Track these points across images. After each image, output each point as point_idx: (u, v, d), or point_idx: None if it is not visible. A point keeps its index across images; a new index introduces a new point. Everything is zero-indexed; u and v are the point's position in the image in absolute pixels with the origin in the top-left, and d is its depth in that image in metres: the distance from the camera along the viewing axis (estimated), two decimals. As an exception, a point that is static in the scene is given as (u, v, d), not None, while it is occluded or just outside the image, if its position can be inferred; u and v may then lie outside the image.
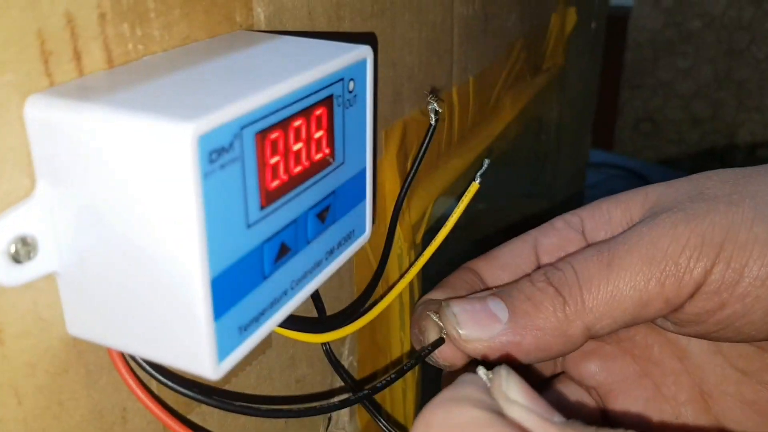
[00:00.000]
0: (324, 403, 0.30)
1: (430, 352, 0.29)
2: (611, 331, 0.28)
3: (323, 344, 0.35)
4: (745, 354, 0.32)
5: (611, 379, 0.33)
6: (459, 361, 0.29)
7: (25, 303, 0.20)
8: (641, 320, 0.28)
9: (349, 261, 0.37)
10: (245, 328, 0.21)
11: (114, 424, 0.24)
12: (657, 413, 0.32)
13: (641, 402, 0.33)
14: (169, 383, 0.23)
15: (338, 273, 0.36)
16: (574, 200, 1.04)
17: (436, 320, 0.30)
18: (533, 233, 0.33)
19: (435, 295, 0.32)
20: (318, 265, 0.25)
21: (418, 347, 0.31)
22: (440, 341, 0.29)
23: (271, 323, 0.22)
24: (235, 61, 0.22)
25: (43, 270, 0.20)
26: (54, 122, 0.18)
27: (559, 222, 0.33)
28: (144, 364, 0.23)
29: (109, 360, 0.23)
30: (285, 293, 0.23)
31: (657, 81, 1.68)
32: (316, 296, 0.32)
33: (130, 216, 0.19)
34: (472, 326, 0.28)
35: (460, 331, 0.28)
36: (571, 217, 0.33)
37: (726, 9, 1.56)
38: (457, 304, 0.29)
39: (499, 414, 0.21)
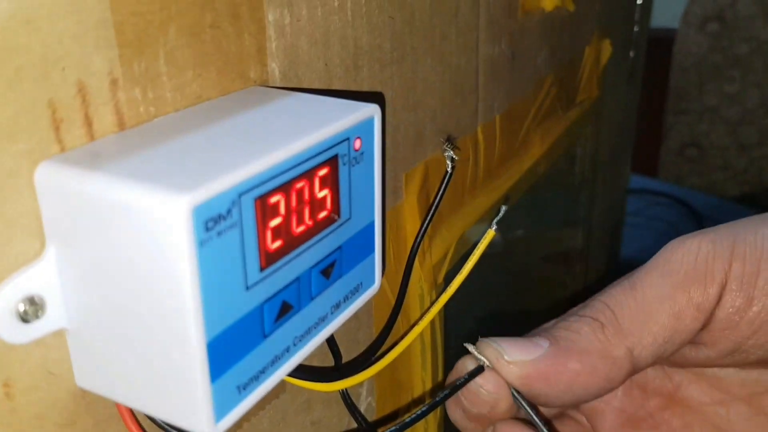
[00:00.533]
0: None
1: (468, 381, 0.29)
2: (654, 356, 0.28)
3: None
4: None
5: None
6: (502, 390, 0.29)
7: (35, 359, 0.21)
8: (681, 336, 0.28)
9: (368, 303, 0.38)
10: (245, 387, 0.22)
11: (123, 473, 0.25)
12: None
13: None
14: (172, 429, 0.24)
15: (356, 316, 0.37)
16: (613, 229, 1.03)
17: (474, 352, 0.30)
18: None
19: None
20: (323, 320, 0.25)
21: (455, 412, 0.31)
22: (479, 369, 0.29)
23: (273, 380, 0.23)
24: (240, 123, 0.22)
25: (50, 327, 0.21)
26: (61, 189, 0.19)
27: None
28: (157, 420, 0.23)
29: (118, 412, 0.24)
30: (287, 350, 0.23)
31: (703, 106, 1.66)
32: (331, 342, 0.32)
33: (130, 280, 0.19)
34: (513, 349, 0.28)
35: (503, 354, 0.28)
36: None
37: (774, 34, 1.53)
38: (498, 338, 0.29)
39: None
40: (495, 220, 0.34)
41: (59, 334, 0.21)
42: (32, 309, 0.20)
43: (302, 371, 0.30)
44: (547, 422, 0.30)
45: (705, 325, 0.28)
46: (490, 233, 0.34)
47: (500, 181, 0.53)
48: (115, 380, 0.21)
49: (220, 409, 0.21)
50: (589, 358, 0.27)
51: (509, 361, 0.28)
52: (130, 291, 0.20)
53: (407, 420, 0.29)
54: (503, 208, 0.35)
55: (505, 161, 0.54)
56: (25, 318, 0.20)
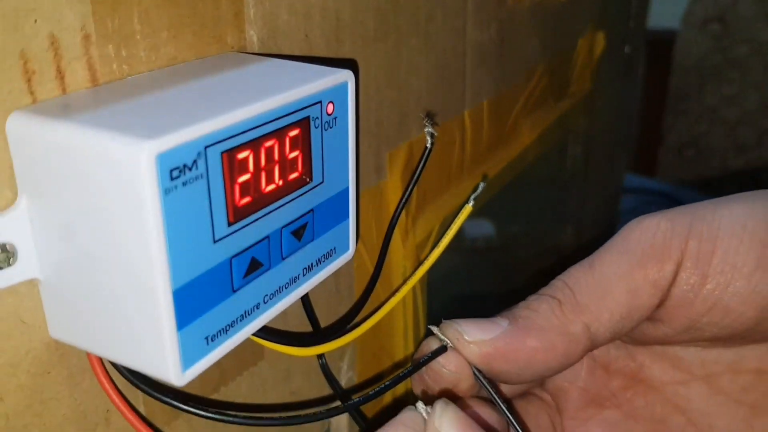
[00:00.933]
0: (310, 411, 0.31)
1: (430, 359, 0.29)
2: (612, 332, 0.29)
3: (319, 358, 0.36)
4: (746, 386, 0.32)
5: None
6: (463, 369, 0.29)
7: (6, 306, 0.21)
8: (638, 313, 0.28)
9: (350, 275, 0.38)
10: (212, 339, 0.22)
11: (97, 425, 0.25)
12: None
13: None
14: (148, 390, 0.24)
15: (337, 291, 0.37)
16: (607, 227, 1.03)
17: (437, 333, 0.30)
18: None
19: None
20: (295, 281, 0.25)
21: (419, 389, 0.32)
22: (442, 349, 0.29)
23: (241, 335, 0.23)
24: (213, 82, 0.23)
25: (22, 276, 0.21)
26: (32, 138, 0.20)
27: None
28: (124, 372, 0.24)
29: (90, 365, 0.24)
30: (257, 307, 0.24)
31: (702, 107, 1.66)
32: (309, 310, 0.33)
33: (99, 228, 0.20)
34: (474, 330, 0.29)
35: (464, 335, 0.29)
36: None
37: (774, 35, 1.53)
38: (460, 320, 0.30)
39: None
40: (472, 196, 0.34)
41: (32, 285, 0.22)
42: (3, 256, 0.20)
43: (280, 336, 0.30)
44: (506, 401, 0.31)
45: (661, 302, 0.28)
46: (467, 208, 0.34)
47: (487, 166, 0.53)
48: (87, 330, 0.22)
49: (188, 358, 0.21)
50: (547, 335, 0.28)
51: (469, 341, 0.28)
52: (99, 240, 0.20)
53: (371, 393, 0.29)
54: (481, 185, 0.35)
55: (492, 148, 0.54)
56: (-4, 264, 0.20)
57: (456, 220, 0.34)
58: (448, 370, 0.29)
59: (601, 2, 0.77)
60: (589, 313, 0.28)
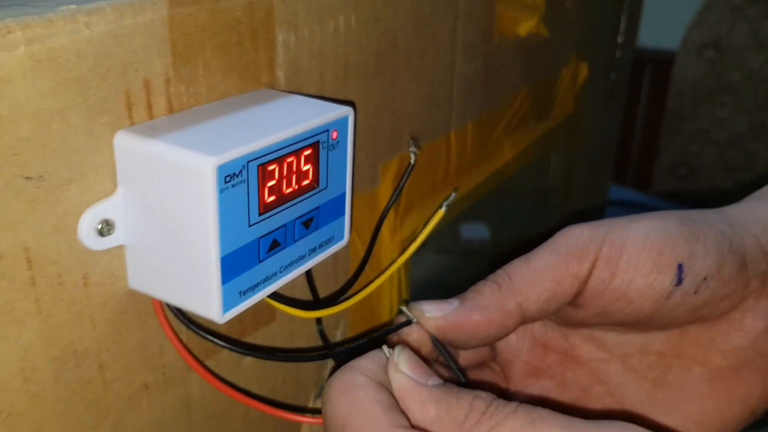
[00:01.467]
0: (305, 353, 0.41)
1: (399, 327, 0.38)
2: (540, 310, 0.37)
3: (317, 324, 0.46)
4: (651, 365, 0.41)
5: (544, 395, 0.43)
6: (424, 338, 0.37)
7: (104, 263, 0.31)
8: (561, 297, 0.37)
9: (346, 259, 0.48)
10: (244, 293, 0.32)
11: (154, 354, 0.35)
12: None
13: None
14: (193, 328, 0.34)
15: (335, 274, 0.47)
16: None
17: (405, 311, 0.39)
18: None
19: None
20: (302, 258, 0.35)
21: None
22: (407, 322, 0.38)
23: (263, 293, 0.33)
24: (251, 114, 0.33)
25: (115, 242, 0.31)
26: (130, 149, 0.29)
27: None
28: (178, 315, 0.33)
29: (153, 310, 0.34)
30: (275, 274, 0.33)
31: (695, 128, 1.75)
32: (311, 283, 0.42)
33: (173, 213, 0.29)
34: (432, 308, 0.37)
35: (424, 312, 0.37)
36: None
37: (764, 64, 1.62)
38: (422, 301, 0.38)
39: (378, 382, 0.31)
40: (445, 203, 0.44)
41: (120, 249, 0.32)
42: (106, 228, 0.30)
43: (288, 301, 0.40)
44: (460, 369, 0.39)
45: (579, 292, 0.37)
46: (440, 213, 0.44)
47: (469, 178, 0.63)
48: (157, 283, 0.31)
49: (227, 305, 0.31)
50: (487, 311, 0.36)
51: (428, 317, 0.37)
52: (172, 221, 0.30)
53: (352, 346, 0.39)
54: (453, 194, 0.45)
55: (475, 162, 0.64)
56: (101, 232, 0.30)
57: (430, 221, 0.44)
58: (412, 338, 0.38)
59: (586, 34, 0.86)
60: (522, 295, 0.37)
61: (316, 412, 0.49)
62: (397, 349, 0.33)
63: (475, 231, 1.00)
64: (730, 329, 0.39)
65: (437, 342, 0.38)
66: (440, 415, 0.30)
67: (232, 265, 0.30)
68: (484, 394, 0.31)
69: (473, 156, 0.63)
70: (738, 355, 0.39)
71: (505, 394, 0.43)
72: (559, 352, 0.43)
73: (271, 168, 0.31)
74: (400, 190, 0.45)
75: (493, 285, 0.37)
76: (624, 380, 0.41)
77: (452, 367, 0.38)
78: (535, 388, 0.43)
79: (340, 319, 0.49)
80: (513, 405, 0.30)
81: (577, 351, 0.43)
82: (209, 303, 0.30)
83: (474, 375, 0.43)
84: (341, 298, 0.43)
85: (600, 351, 0.42)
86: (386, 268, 0.44)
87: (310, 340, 0.47)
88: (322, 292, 0.45)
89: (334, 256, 0.46)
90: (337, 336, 0.50)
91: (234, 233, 0.30)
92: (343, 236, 0.38)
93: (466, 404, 0.30)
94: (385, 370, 0.33)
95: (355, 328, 0.51)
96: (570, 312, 0.39)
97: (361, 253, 0.48)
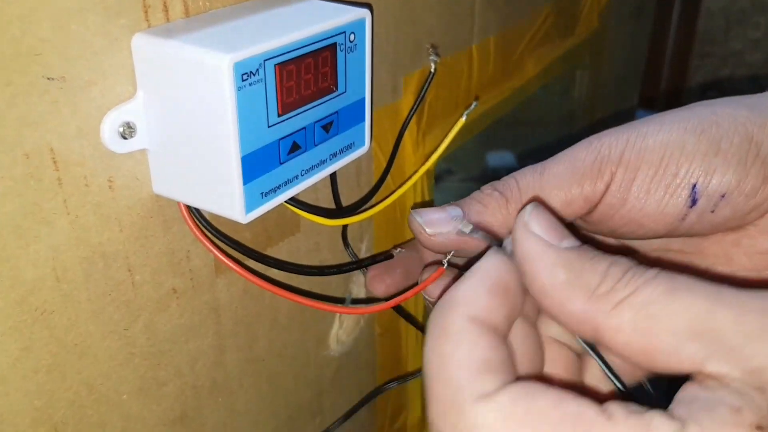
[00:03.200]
0: (333, 266, 0.41)
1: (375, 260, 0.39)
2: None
3: (343, 238, 0.46)
4: (672, 260, 0.39)
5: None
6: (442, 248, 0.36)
7: (127, 166, 0.32)
8: (569, 217, 0.35)
9: (369, 171, 0.48)
10: (266, 195, 0.32)
11: (181, 260, 0.36)
12: None
13: None
14: (218, 236, 0.35)
15: (358, 181, 0.47)
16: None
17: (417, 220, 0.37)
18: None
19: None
20: (323, 163, 0.35)
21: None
22: (390, 255, 0.38)
23: (285, 195, 0.33)
24: (270, 15, 0.33)
25: (138, 146, 0.31)
26: (148, 51, 0.30)
27: None
28: (204, 223, 0.34)
29: (179, 216, 0.34)
30: (296, 177, 0.34)
31: (727, 50, 1.71)
32: (335, 192, 0.43)
33: (193, 114, 0.30)
34: (431, 224, 0.35)
35: (426, 230, 0.36)
36: None
37: (800, -19, 1.57)
38: (423, 210, 0.36)
39: (478, 321, 0.28)
40: (465, 112, 0.44)
41: (143, 153, 0.32)
42: (128, 130, 0.31)
43: (313, 208, 0.40)
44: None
45: (589, 213, 0.35)
46: (461, 121, 0.44)
47: (492, 94, 0.62)
48: (180, 186, 0.32)
49: (249, 205, 0.31)
50: (492, 231, 0.35)
51: (429, 233, 0.35)
52: (192, 121, 0.30)
53: (378, 258, 0.39)
54: (474, 104, 0.44)
55: (498, 78, 0.63)
56: (123, 135, 0.30)
57: (451, 130, 0.44)
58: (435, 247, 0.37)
59: (613, -51, 0.84)
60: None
61: (342, 324, 0.50)
62: (530, 207, 0.30)
63: (502, 159, 1.00)
64: (758, 234, 0.37)
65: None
66: (571, 279, 0.27)
67: (254, 166, 0.31)
68: (623, 260, 0.28)
69: (496, 71, 0.62)
70: (764, 259, 0.38)
71: None
72: None
73: (289, 68, 0.31)
74: (421, 99, 0.44)
75: (500, 198, 0.36)
76: None
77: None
78: None
79: (364, 233, 0.50)
80: (653, 272, 0.27)
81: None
82: (232, 203, 0.31)
83: None
84: (364, 207, 0.43)
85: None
86: (409, 178, 0.44)
87: (335, 252, 0.47)
88: (346, 201, 0.46)
89: (357, 168, 0.46)
90: (362, 249, 0.50)
91: (254, 133, 0.30)
92: (364, 142, 0.38)
93: (601, 269, 0.27)
94: (492, 291, 0.29)
95: (380, 242, 0.52)
96: (578, 224, 0.38)
97: (384, 165, 0.48)
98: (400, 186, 0.44)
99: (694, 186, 0.34)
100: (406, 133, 0.50)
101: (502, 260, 0.30)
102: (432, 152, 0.53)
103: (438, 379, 0.26)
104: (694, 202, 0.34)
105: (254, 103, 0.30)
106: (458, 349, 0.26)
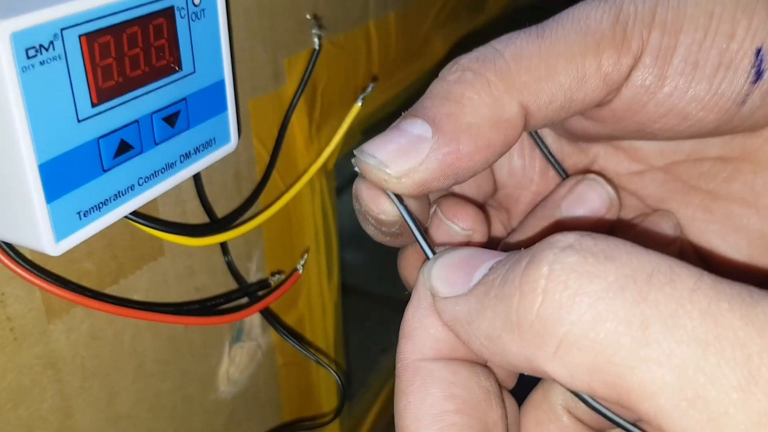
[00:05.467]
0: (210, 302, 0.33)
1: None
2: (549, 115, 0.24)
3: (224, 255, 0.38)
4: (705, 173, 0.29)
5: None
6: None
7: None
8: (577, 103, 0.24)
9: (251, 175, 0.40)
10: (85, 214, 0.24)
11: (-10, 308, 0.27)
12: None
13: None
14: (37, 271, 0.26)
15: (238, 187, 0.39)
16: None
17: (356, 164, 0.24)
18: None
19: None
20: (171, 166, 0.27)
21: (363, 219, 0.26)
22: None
23: (116, 213, 0.25)
24: (76, -26, 0.24)
25: None
26: None
27: None
28: (17, 258, 0.25)
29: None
30: (131, 188, 0.25)
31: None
32: (204, 201, 0.34)
33: (-36, 108, 0.21)
34: (396, 158, 0.23)
35: (387, 170, 0.23)
36: None
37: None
38: (369, 142, 0.23)
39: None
40: (361, 96, 0.36)
41: None
42: None
43: (177, 227, 0.32)
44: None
45: (607, 100, 0.25)
46: (356, 107, 0.36)
47: (397, 78, 0.55)
48: (-35, 211, 0.23)
49: (60, 230, 0.23)
50: (480, 132, 0.23)
51: (397, 176, 0.23)
52: (-35, 120, 0.21)
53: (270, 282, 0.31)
54: (371, 86, 0.37)
55: (403, 60, 0.56)
56: None
57: (346, 118, 0.36)
58: (384, 215, 0.24)
59: None
60: (527, 93, 0.23)
61: (233, 361, 0.41)
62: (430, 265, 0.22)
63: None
64: None
65: (402, 207, 0.23)
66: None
67: (60, 177, 0.22)
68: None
69: (399, 52, 0.55)
70: None
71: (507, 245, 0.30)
72: (577, 171, 0.31)
73: (103, 40, 0.23)
74: (306, 82, 0.37)
75: (478, 82, 0.23)
76: (667, 194, 0.30)
77: (421, 243, 0.24)
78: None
79: (252, 249, 0.42)
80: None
81: (600, 164, 0.31)
82: (34, 229, 0.22)
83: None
84: (246, 216, 0.35)
85: (632, 162, 0.31)
86: (299, 177, 0.36)
87: (215, 275, 0.39)
88: (224, 214, 0.37)
89: (236, 171, 0.38)
90: (252, 269, 0.42)
91: (55, 131, 0.22)
92: (229, 138, 0.30)
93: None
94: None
95: (273, 259, 0.44)
96: (583, 125, 0.27)
97: (266, 160, 0.40)
98: (290, 187, 0.36)
99: (759, 51, 0.24)
100: (297, 128, 0.42)
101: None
102: (336, 158, 0.45)
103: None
104: (759, 75, 0.24)
105: (52, 89, 0.22)
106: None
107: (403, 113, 0.24)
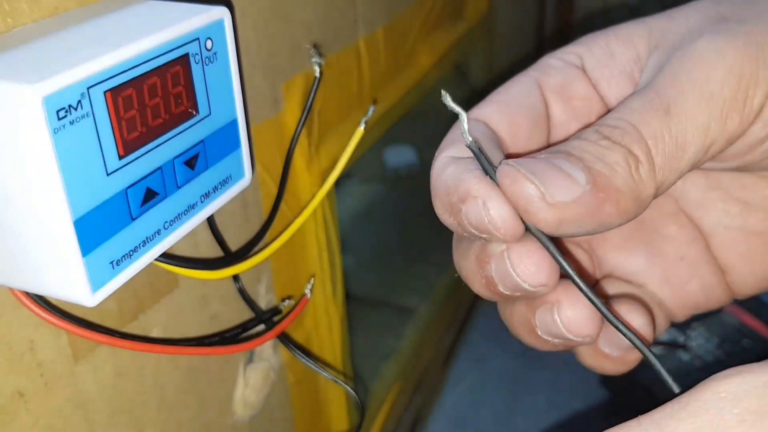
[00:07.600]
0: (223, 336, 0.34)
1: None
2: (670, 186, 0.25)
3: (235, 282, 0.39)
4: (746, 184, 0.30)
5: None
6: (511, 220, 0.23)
7: None
8: (698, 166, 0.25)
9: (257, 203, 0.40)
10: (118, 263, 0.24)
11: (23, 354, 0.27)
12: (659, 256, 0.31)
13: (642, 247, 0.31)
14: (64, 315, 0.27)
15: (246, 219, 0.40)
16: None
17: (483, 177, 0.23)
18: (531, 74, 0.29)
19: (450, 152, 0.26)
20: (192, 208, 0.28)
21: (450, 218, 0.24)
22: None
23: (146, 258, 0.26)
24: (93, 27, 0.25)
25: (-69, 221, 0.23)
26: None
27: (554, 60, 0.29)
28: (44, 305, 0.26)
29: (12, 298, 0.26)
30: (158, 232, 0.26)
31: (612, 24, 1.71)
32: (218, 236, 0.35)
33: (3, 172, 0.22)
34: (553, 185, 0.22)
35: (542, 189, 0.22)
36: (567, 55, 0.29)
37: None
38: (523, 160, 0.23)
39: None
40: (363, 120, 0.37)
41: (-58, 230, 0.24)
42: None
43: (192, 262, 0.33)
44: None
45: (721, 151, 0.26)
46: (359, 131, 0.37)
47: (388, 92, 0.55)
48: (5, 268, 0.24)
49: (96, 281, 0.23)
50: (624, 201, 0.23)
51: (551, 204, 0.22)
52: (4, 183, 0.22)
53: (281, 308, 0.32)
54: (371, 109, 0.38)
55: (392, 74, 0.56)
56: None
57: (349, 143, 0.37)
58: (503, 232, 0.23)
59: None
60: (662, 175, 0.24)
61: (248, 382, 0.42)
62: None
63: (401, 155, 0.93)
64: None
65: (545, 237, 0.23)
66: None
67: (94, 230, 0.23)
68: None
69: (389, 65, 0.55)
70: None
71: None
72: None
73: (126, 94, 0.23)
74: (308, 110, 0.37)
75: (629, 158, 0.24)
76: (706, 200, 0.31)
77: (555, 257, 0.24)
78: None
79: (261, 273, 0.42)
80: None
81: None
82: (71, 283, 0.23)
83: None
84: (256, 248, 0.36)
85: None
86: (305, 206, 0.37)
87: (228, 302, 0.40)
88: (235, 244, 0.38)
89: (243, 200, 0.39)
90: (261, 292, 0.43)
91: (88, 187, 0.23)
92: (243, 173, 0.31)
93: None
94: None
95: (281, 278, 0.44)
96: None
97: (274, 191, 0.41)
98: (297, 216, 0.37)
99: None
100: (297, 149, 0.43)
101: None
102: (330, 168, 0.46)
103: None
104: None
105: (82, 146, 0.22)
106: None
107: (548, 148, 0.24)
